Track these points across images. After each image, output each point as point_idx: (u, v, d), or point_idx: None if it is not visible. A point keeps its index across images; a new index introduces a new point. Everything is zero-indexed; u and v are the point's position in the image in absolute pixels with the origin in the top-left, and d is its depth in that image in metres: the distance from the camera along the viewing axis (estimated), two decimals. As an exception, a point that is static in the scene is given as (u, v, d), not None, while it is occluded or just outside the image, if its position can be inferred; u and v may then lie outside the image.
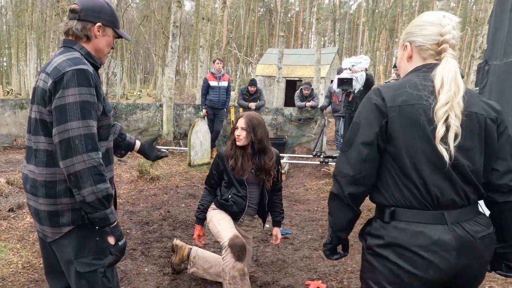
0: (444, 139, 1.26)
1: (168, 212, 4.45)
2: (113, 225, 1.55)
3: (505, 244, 1.43)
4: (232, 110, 8.45)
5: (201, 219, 2.76)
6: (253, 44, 36.30)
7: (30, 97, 1.76)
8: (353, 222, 1.46)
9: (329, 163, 6.75)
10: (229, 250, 2.37)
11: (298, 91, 8.51)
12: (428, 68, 1.35)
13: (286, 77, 19.21)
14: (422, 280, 1.29)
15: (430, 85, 1.31)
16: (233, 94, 11.85)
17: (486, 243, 1.32)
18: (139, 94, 29.90)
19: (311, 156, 7.40)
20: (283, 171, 6.42)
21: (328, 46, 36.40)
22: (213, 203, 2.75)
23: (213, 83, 7.60)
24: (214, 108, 7.59)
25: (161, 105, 8.71)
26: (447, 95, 1.26)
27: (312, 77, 14.59)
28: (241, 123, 2.59)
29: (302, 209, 4.67)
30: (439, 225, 1.28)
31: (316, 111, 8.37)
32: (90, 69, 1.54)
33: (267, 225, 3.40)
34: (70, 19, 1.64)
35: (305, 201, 5.02)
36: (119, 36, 1.75)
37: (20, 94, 22.80)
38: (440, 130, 1.25)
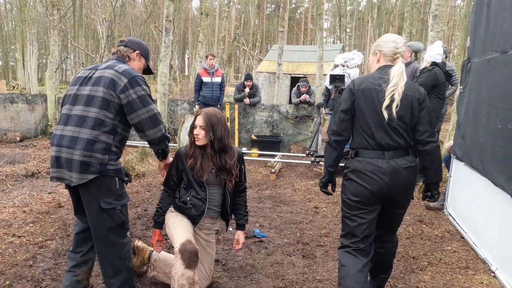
0: (388, 108, 2.10)
1: (145, 210, 4.32)
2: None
3: (427, 179, 2.32)
4: (227, 107, 8.30)
5: (160, 222, 2.61)
6: (258, 40, 35.94)
7: (74, 79, 2.33)
8: (338, 160, 2.33)
9: (320, 163, 6.55)
10: (179, 256, 2.22)
11: (295, 88, 8.31)
12: (387, 67, 2.23)
13: (291, 74, 19.00)
14: (370, 191, 2.15)
15: (386, 77, 2.16)
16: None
17: (408, 171, 2.16)
18: (145, 90, 29.78)
19: (305, 155, 7.18)
20: (273, 170, 6.27)
21: (336, 42, 35.95)
22: (171, 205, 2.61)
23: (206, 79, 7.45)
24: (207, 105, 7.41)
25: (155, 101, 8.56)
26: (394, 81, 2.13)
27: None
28: (199, 121, 2.43)
29: (285, 211, 4.50)
30: (381, 159, 2.14)
31: (313, 108, 8.16)
32: None
33: (230, 228, 3.25)
34: (118, 46, 2.48)
35: (290, 202, 4.85)
36: (148, 68, 2.59)
37: (25, 89, 22.71)
38: (386, 101, 2.11)
